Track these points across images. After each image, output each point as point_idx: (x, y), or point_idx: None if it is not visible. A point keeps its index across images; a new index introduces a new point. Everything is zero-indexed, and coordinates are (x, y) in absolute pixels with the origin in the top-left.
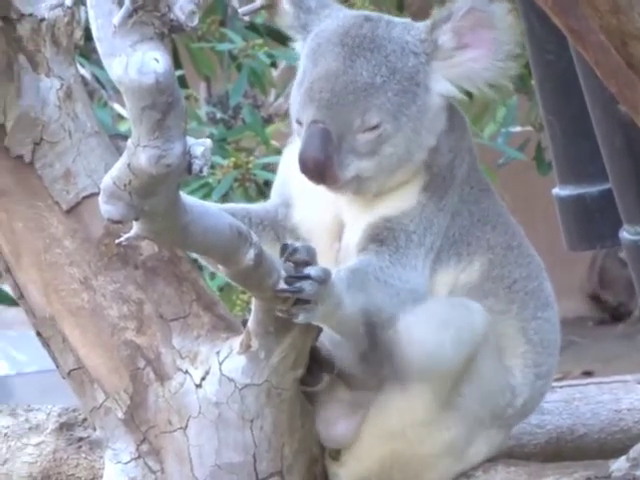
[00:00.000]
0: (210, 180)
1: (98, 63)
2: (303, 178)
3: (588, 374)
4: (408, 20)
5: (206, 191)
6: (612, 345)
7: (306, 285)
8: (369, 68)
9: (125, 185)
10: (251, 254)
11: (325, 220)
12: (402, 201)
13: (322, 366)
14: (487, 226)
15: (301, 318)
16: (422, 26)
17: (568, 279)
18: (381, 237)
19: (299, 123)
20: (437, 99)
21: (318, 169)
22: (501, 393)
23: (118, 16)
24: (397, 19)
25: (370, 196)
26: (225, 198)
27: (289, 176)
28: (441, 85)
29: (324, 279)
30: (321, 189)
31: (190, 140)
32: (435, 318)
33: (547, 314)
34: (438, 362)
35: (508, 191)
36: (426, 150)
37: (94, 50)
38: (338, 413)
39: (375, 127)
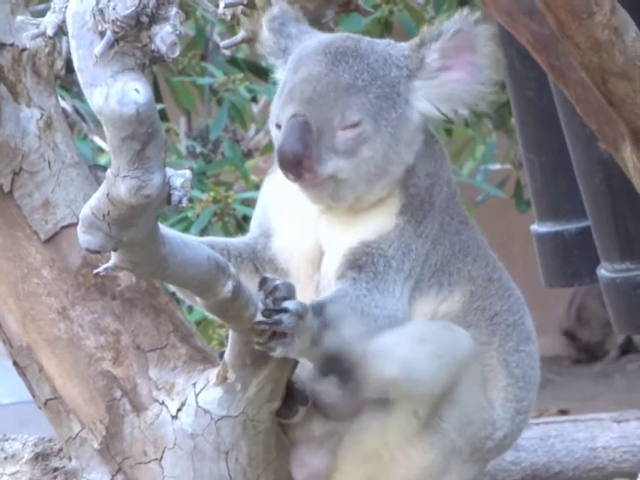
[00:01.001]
0: (189, 214)
1: (79, 95)
2: (285, 207)
3: (564, 412)
4: (391, 40)
5: (185, 225)
6: (589, 384)
7: (284, 318)
8: (351, 72)
9: (104, 215)
10: (229, 286)
11: (305, 248)
12: (380, 224)
13: (297, 398)
14: (468, 257)
15: (278, 352)
16: (406, 45)
17: (545, 317)
18: (359, 263)
19: (278, 127)
20: (416, 116)
21: (296, 159)
22: (482, 424)
23: (99, 46)
24: (380, 40)
25: (347, 213)
26: (204, 232)
27: (269, 206)
28: (421, 104)
29: (301, 313)
30: (301, 215)
31: (170, 171)
32: (414, 335)
33: (529, 348)
34: (415, 379)
35: (487, 228)
36: (404, 166)
37: (75, 82)
38: (311, 451)
39: (355, 125)
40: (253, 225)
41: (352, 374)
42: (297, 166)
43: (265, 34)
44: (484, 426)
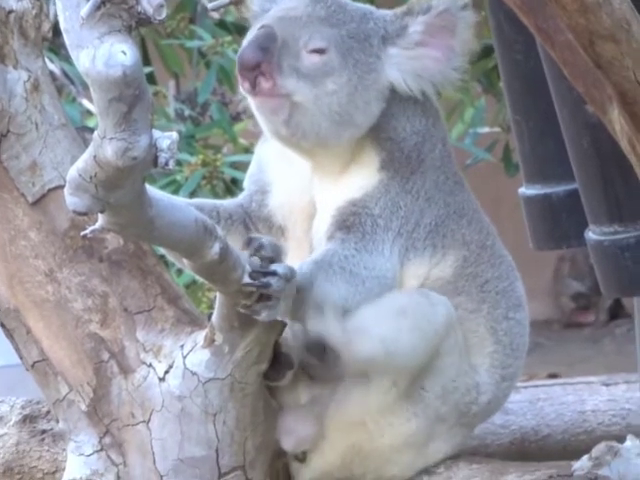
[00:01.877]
0: (178, 177)
1: (67, 58)
2: (281, 164)
3: (554, 376)
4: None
5: (174, 188)
6: (578, 348)
7: (273, 281)
8: (328, 10)
9: (91, 177)
10: (216, 248)
11: (301, 205)
12: (363, 180)
13: (283, 362)
14: (463, 220)
15: (264, 315)
16: (389, 12)
17: (535, 281)
18: (347, 223)
19: None
20: (384, 79)
21: (255, 60)
22: (465, 390)
23: (86, 8)
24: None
25: (334, 171)
26: (193, 195)
27: (266, 162)
28: (392, 71)
29: (289, 276)
30: (296, 172)
31: (156, 133)
32: (391, 309)
33: (518, 315)
34: (394, 353)
35: (476, 192)
36: (369, 119)
37: (63, 45)
38: (297, 418)
39: (322, 52)
40: (247, 183)
41: (331, 351)
42: (254, 70)
43: None
44: (468, 391)
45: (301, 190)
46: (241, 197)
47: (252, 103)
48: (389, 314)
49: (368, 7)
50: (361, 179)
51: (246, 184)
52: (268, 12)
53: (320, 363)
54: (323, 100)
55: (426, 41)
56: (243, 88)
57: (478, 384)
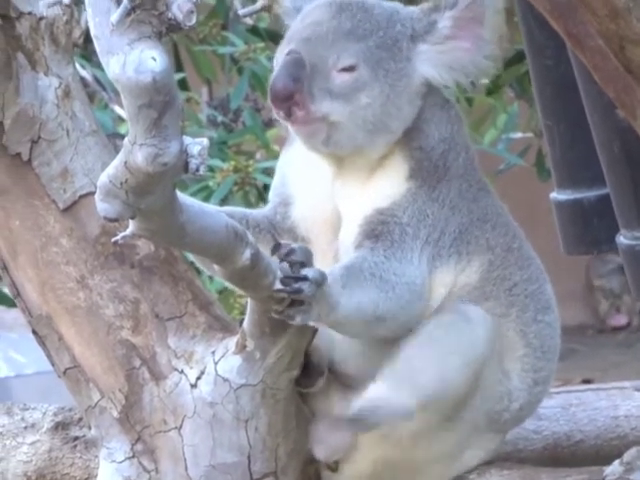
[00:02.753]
0: (210, 183)
1: (99, 65)
2: (303, 175)
3: (587, 382)
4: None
5: (205, 194)
6: (612, 353)
7: (304, 286)
8: (353, 21)
9: (121, 183)
10: (247, 254)
11: (324, 215)
12: (391, 189)
13: (314, 368)
14: (487, 225)
15: (298, 320)
16: (415, 8)
17: (568, 286)
18: (376, 232)
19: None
20: (417, 78)
21: (287, 92)
22: (498, 398)
23: (116, 14)
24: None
25: (360, 179)
26: (224, 202)
27: (288, 174)
28: (424, 67)
29: (321, 281)
30: (318, 182)
31: (187, 139)
32: (436, 351)
33: (548, 318)
34: (443, 393)
35: (509, 197)
36: (404, 124)
37: (95, 52)
38: (330, 427)
39: (351, 69)
40: (272, 195)
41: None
42: (287, 101)
43: None
44: (500, 399)
45: (324, 201)
46: (266, 209)
47: (290, 129)
48: (436, 358)
49: (394, 6)
50: (389, 188)
51: (270, 196)
52: (300, 9)
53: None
54: (358, 114)
55: (456, 34)
56: (278, 116)
57: (510, 391)
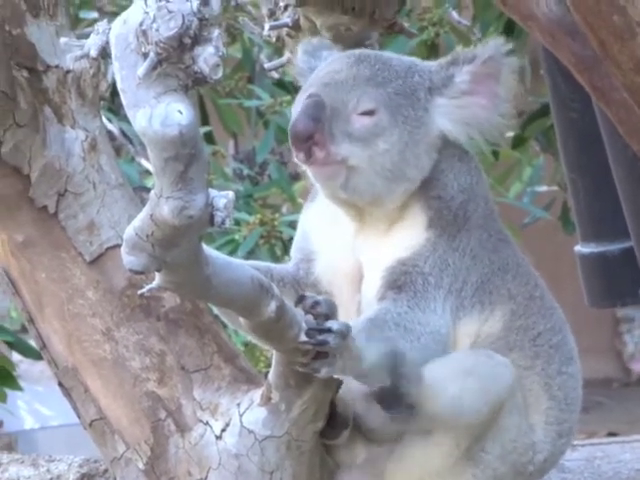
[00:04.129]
0: (236, 236)
1: (126, 118)
2: (325, 230)
3: (613, 435)
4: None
5: (232, 247)
6: (637, 407)
7: (330, 338)
8: (372, 69)
9: (147, 236)
10: (272, 306)
11: (345, 269)
12: (411, 239)
13: (339, 420)
14: (508, 275)
15: (323, 372)
16: (433, 62)
17: (595, 339)
18: (399, 283)
19: None
20: (435, 129)
21: (307, 133)
22: (523, 450)
23: (142, 68)
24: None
25: (380, 231)
26: (251, 255)
27: (310, 230)
28: (441, 120)
29: (345, 333)
30: (340, 236)
31: (212, 192)
32: (460, 369)
33: (571, 369)
34: (462, 413)
35: (534, 251)
36: (422, 173)
37: (122, 105)
38: (355, 478)
39: (371, 113)
40: (294, 251)
41: (402, 405)
42: (307, 141)
43: (299, 55)
44: (525, 451)
45: (346, 255)
46: (290, 264)
47: (308, 171)
48: (458, 373)
49: (412, 59)
50: (410, 238)
51: (293, 253)
52: (314, 69)
53: (389, 413)
54: (377, 160)
55: (473, 89)
56: (298, 159)
57: (534, 443)
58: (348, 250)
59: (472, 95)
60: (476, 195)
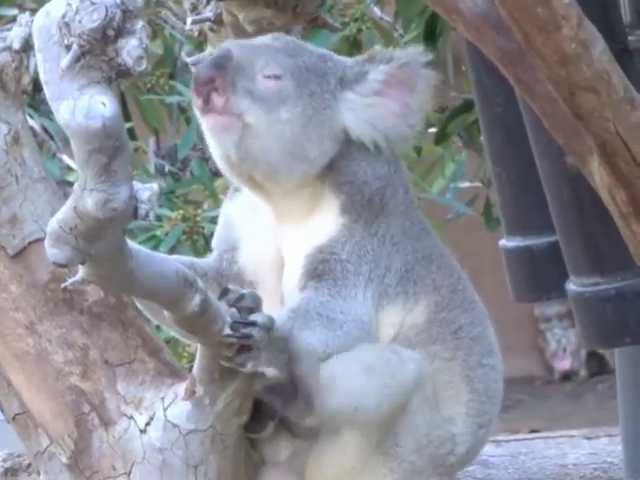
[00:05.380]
0: (158, 232)
1: (47, 114)
2: (248, 220)
3: (535, 432)
4: None
5: (154, 243)
6: (560, 404)
7: (254, 331)
8: (287, 45)
9: (71, 229)
10: (197, 300)
11: (270, 259)
12: (326, 225)
13: (265, 412)
14: (432, 265)
15: (249, 367)
16: (349, 58)
17: (516, 337)
18: (318, 272)
19: None
20: (339, 121)
21: (210, 75)
22: (439, 443)
23: (66, 60)
24: None
25: (299, 221)
26: (173, 251)
27: (233, 221)
28: (347, 115)
29: (270, 326)
30: (262, 227)
31: (136, 185)
32: (359, 365)
33: (492, 361)
34: (360, 409)
35: (457, 246)
36: (324, 157)
37: (43, 101)
38: (278, 474)
39: (277, 78)
40: (217, 243)
41: (303, 396)
42: (208, 84)
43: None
44: (442, 444)
45: (269, 243)
46: (211, 258)
47: (204, 124)
48: (358, 370)
49: (327, 51)
50: (324, 225)
51: (215, 244)
52: None
53: (285, 407)
54: (276, 127)
55: (384, 92)
56: (196, 106)
57: (454, 435)
58: (270, 239)
59: (383, 97)
60: (393, 181)
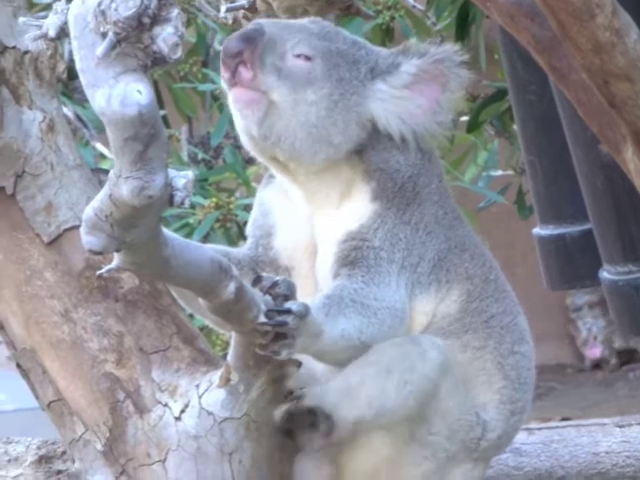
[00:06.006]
0: (191, 220)
1: (81, 102)
2: (282, 206)
3: (567, 421)
4: None
5: (187, 231)
6: (591, 392)
7: (289, 319)
8: (322, 29)
9: (106, 216)
10: (232, 287)
11: (304, 244)
12: (358, 211)
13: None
14: (465, 254)
15: (283, 355)
16: (384, 49)
17: (548, 325)
18: (351, 259)
19: None
20: (366, 110)
21: (238, 47)
22: (469, 427)
23: (101, 48)
24: None
25: (331, 207)
26: (206, 238)
27: (269, 206)
28: (375, 105)
29: (304, 313)
30: (297, 213)
31: (172, 172)
32: (376, 368)
33: (523, 349)
34: (385, 411)
35: (489, 235)
36: (349, 143)
37: (77, 89)
38: (314, 462)
39: (307, 59)
40: (251, 229)
41: (324, 418)
42: (236, 58)
43: None
44: (472, 428)
45: (303, 228)
46: (246, 245)
47: (230, 97)
48: (373, 374)
49: (363, 40)
50: (355, 211)
51: (250, 231)
52: None
53: (312, 431)
54: (301, 107)
55: (415, 86)
56: (223, 79)
57: (485, 421)
58: (304, 225)
59: (413, 92)
60: (427, 170)
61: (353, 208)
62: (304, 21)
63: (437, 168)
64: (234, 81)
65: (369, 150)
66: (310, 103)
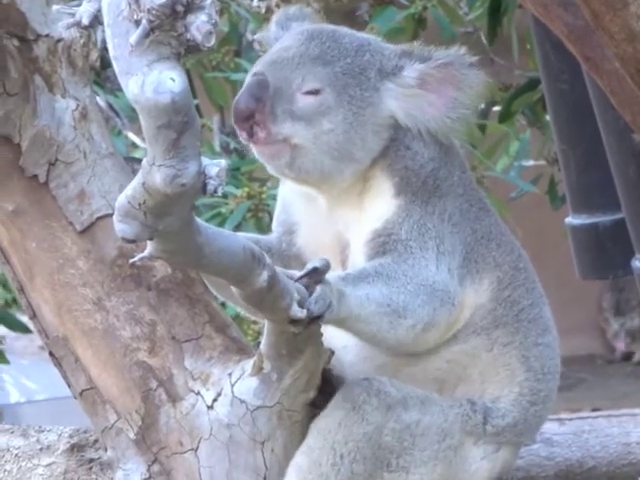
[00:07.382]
0: (223, 210)
1: (113, 91)
2: (303, 203)
3: (597, 411)
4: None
5: (219, 221)
6: (621, 383)
7: (317, 307)
8: (322, 48)
9: (140, 204)
10: (264, 275)
11: (326, 240)
12: (381, 210)
13: (334, 389)
14: (492, 243)
15: (325, 318)
16: (391, 46)
17: (578, 315)
18: (383, 250)
19: None
20: (384, 111)
21: (248, 112)
22: (466, 417)
23: (135, 35)
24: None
25: (351, 207)
26: (238, 228)
27: (289, 203)
28: (391, 101)
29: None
30: (316, 210)
31: (205, 160)
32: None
33: (547, 339)
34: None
35: (520, 225)
36: (371, 153)
37: (109, 78)
38: None
39: (316, 93)
40: (275, 225)
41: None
42: (248, 120)
43: (271, 25)
44: (469, 417)
45: (324, 228)
46: (272, 236)
47: (253, 150)
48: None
49: (367, 37)
50: (379, 209)
51: (274, 226)
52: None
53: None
54: (322, 139)
55: (424, 87)
56: (241, 138)
57: (487, 408)
58: (325, 224)
59: (424, 90)
60: (447, 163)
61: (376, 205)
62: (302, 44)
63: (458, 159)
64: (252, 140)
65: (389, 148)
66: (328, 132)
